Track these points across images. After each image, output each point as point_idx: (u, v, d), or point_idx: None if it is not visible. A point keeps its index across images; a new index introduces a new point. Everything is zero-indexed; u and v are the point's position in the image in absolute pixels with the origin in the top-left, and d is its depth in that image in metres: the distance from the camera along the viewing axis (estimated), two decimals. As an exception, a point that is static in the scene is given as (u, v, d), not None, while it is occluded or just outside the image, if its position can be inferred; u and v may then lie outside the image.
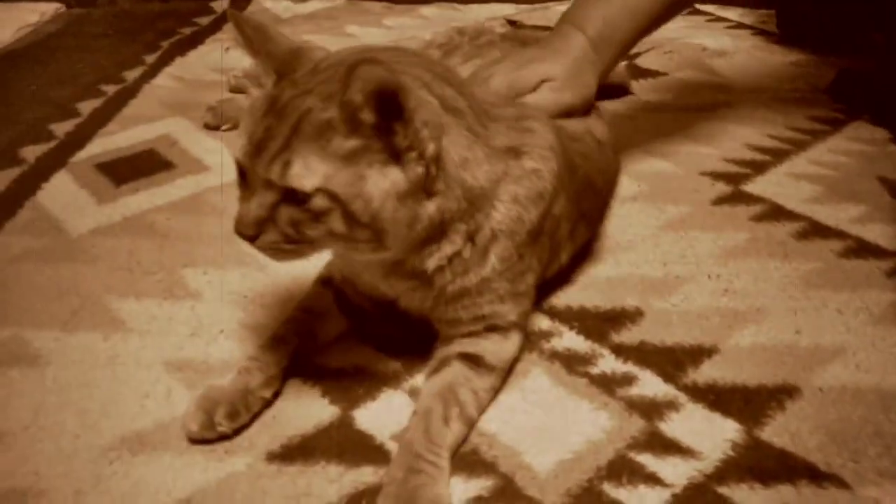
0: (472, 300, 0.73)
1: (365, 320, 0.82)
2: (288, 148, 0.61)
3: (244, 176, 0.65)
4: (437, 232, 0.69)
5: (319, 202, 0.61)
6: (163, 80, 1.45)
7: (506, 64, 0.91)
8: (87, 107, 1.34)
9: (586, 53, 0.94)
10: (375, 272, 0.74)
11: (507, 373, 0.76)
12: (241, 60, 1.49)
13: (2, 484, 0.65)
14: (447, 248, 0.70)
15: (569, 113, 0.89)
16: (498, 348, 0.75)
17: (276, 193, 0.62)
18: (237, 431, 0.70)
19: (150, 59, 1.54)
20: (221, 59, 1.55)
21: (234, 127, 1.27)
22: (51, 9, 1.84)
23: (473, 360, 0.74)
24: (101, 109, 1.33)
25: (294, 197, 0.62)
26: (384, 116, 0.61)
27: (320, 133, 0.61)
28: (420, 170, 0.64)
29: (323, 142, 0.61)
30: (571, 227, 0.83)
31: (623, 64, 1.41)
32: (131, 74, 1.47)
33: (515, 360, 0.77)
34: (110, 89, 1.40)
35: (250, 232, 0.63)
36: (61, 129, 1.26)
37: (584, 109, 0.93)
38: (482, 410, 0.72)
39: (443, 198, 0.67)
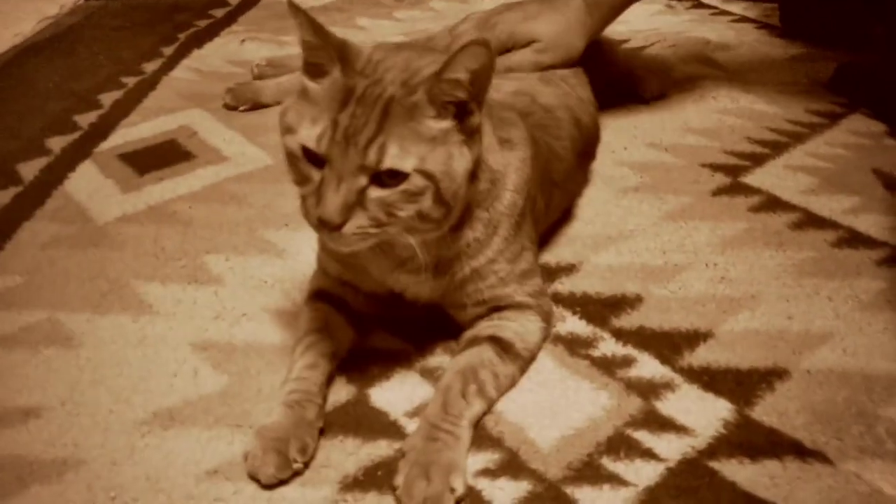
0: (475, 285, 0.78)
1: (371, 326, 0.85)
2: (382, 132, 0.64)
3: (316, 162, 0.66)
4: (465, 216, 0.75)
5: (416, 181, 0.65)
6: (181, 72, 1.49)
7: (511, 14, 1.08)
8: (108, 98, 1.38)
9: (579, 16, 1.07)
10: (384, 267, 0.78)
11: (529, 364, 0.80)
12: (258, 52, 1.54)
13: (44, 454, 0.71)
14: (469, 235, 0.76)
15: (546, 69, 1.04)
16: (524, 331, 0.79)
17: (366, 178, 0.65)
18: (306, 465, 0.69)
19: (168, 51, 1.58)
20: (239, 50, 1.60)
21: (252, 108, 1.33)
22: (70, 1, 1.88)
23: (503, 346, 0.77)
24: (122, 101, 1.37)
25: (385, 180, 0.65)
26: (472, 96, 0.67)
27: (410, 116, 0.66)
28: (479, 150, 0.71)
29: (414, 124, 0.66)
30: (546, 199, 0.89)
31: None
32: (150, 66, 1.51)
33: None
34: (130, 81, 1.45)
35: (339, 219, 0.64)
36: (85, 120, 1.30)
37: (564, 66, 1.06)
38: (501, 393, 0.76)
39: (478, 180, 0.74)
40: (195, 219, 1.05)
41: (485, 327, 0.79)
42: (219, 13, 1.82)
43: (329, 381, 0.77)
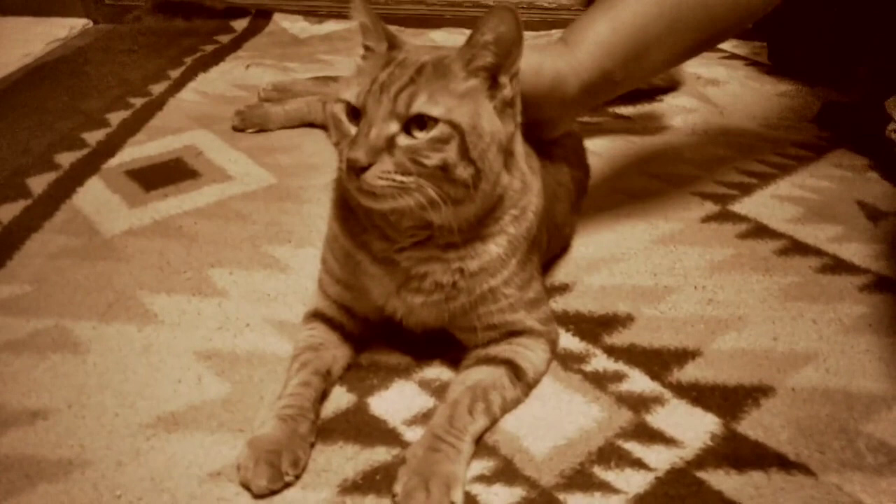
0: (486, 308, 0.79)
1: (370, 338, 0.86)
2: (413, 84, 0.70)
3: (356, 117, 0.71)
4: (495, 214, 0.78)
5: (443, 129, 0.69)
6: (187, 94, 1.53)
7: None
8: (116, 118, 1.42)
9: (555, 49, 0.94)
10: (388, 287, 0.79)
11: (532, 389, 0.81)
12: (262, 77, 1.59)
13: (50, 454, 0.73)
14: (493, 250, 0.78)
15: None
16: (538, 361, 0.81)
17: (397, 125, 0.69)
18: (297, 478, 0.70)
19: (175, 74, 1.63)
20: (244, 75, 1.64)
21: (260, 130, 1.37)
22: (79, 24, 1.93)
23: (517, 373, 0.79)
24: (129, 120, 1.41)
25: (413, 132, 0.69)
26: (499, 63, 0.72)
27: (441, 74, 0.71)
28: (512, 129, 0.75)
29: (444, 81, 0.71)
30: (547, 239, 0.91)
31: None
32: (157, 88, 1.55)
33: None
34: (138, 102, 1.49)
35: (366, 160, 0.67)
36: (93, 137, 1.34)
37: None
38: (505, 413, 0.78)
39: (510, 176, 0.77)
40: (200, 234, 1.08)
41: (502, 350, 0.81)
42: (224, 39, 1.87)
43: (323, 399, 0.79)
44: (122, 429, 0.76)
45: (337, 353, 0.82)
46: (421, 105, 0.69)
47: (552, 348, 0.84)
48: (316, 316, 0.85)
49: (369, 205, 0.72)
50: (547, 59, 0.89)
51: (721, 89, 1.63)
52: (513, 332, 0.82)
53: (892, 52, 1.43)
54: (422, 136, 0.69)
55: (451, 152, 0.69)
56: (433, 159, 0.69)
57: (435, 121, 0.69)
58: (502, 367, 0.79)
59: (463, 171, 0.70)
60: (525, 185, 0.80)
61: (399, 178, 0.69)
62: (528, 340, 0.82)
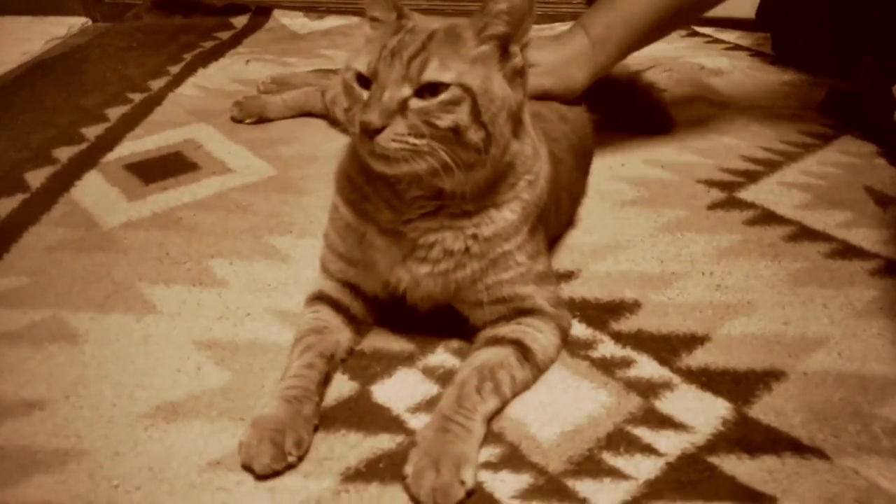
0: (496, 276, 0.78)
1: (372, 325, 0.86)
2: (425, 50, 0.70)
3: (367, 85, 0.71)
4: (510, 180, 0.78)
5: (455, 91, 0.69)
6: (187, 89, 1.52)
7: None
8: (115, 113, 1.40)
9: (583, 51, 1.11)
10: (395, 257, 0.78)
11: (541, 375, 0.80)
12: (262, 72, 1.57)
13: (47, 444, 0.71)
14: (508, 216, 0.78)
15: (544, 97, 1.05)
16: (548, 344, 0.80)
17: (409, 89, 0.69)
18: (300, 459, 0.69)
19: (174, 69, 1.62)
20: (245, 71, 1.63)
21: (258, 121, 1.37)
22: (78, 23, 1.92)
23: (525, 353, 0.78)
24: (128, 115, 1.39)
25: (425, 95, 0.69)
26: (510, 32, 0.72)
27: (453, 41, 0.72)
28: (521, 97, 0.75)
29: (456, 47, 0.71)
30: (556, 203, 0.91)
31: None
32: (156, 84, 1.54)
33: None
34: (137, 97, 1.47)
35: (379, 122, 0.68)
36: (91, 132, 1.32)
37: (564, 97, 1.09)
38: (515, 394, 0.77)
39: (521, 144, 0.78)
40: (200, 225, 1.06)
41: (510, 330, 0.80)
42: (224, 36, 1.86)
43: (326, 382, 0.77)
44: (120, 419, 0.74)
45: (340, 336, 0.81)
46: (433, 71, 0.69)
47: (563, 335, 0.83)
48: (319, 298, 0.84)
49: (382, 169, 0.72)
50: (578, 72, 1.09)
51: (724, 79, 1.61)
52: (522, 311, 0.80)
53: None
54: (434, 99, 0.69)
55: (462, 114, 0.70)
56: (445, 121, 0.69)
57: (446, 85, 0.69)
58: (510, 346, 0.78)
59: (474, 135, 0.71)
60: (535, 150, 0.81)
61: (412, 140, 0.69)
62: (537, 322, 0.80)
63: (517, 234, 0.79)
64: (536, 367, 0.79)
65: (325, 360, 0.77)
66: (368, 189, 0.78)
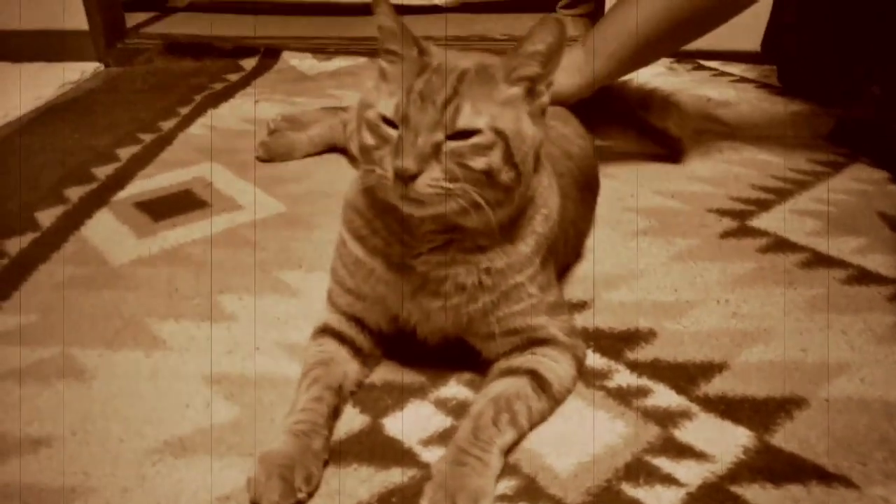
0: (508, 308, 0.77)
1: (382, 358, 0.85)
2: (457, 95, 0.69)
3: (394, 125, 0.70)
4: (528, 213, 0.78)
5: (488, 136, 0.69)
6: (197, 129, 1.54)
7: None
8: (125, 153, 1.42)
9: (575, 60, 1.16)
10: (405, 290, 0.78)
11: (557, 407, 0.78)
12: (271, 111, 1.59)
13: (53, 482, 0.70)
14: (522, 249, 0.77)
15: None
16: (564, 375, 0.78)
17: (442, 134, 0.69)
18: (310, 496, 0.68)
19: (185, 110, 1.63)
20: (254, 110, 1.64)
21: (286, 159, 1.36)
22: (90, 68, 1.95)
23: (541, 384, 0.76)
24: (139, 155, 1.41)
25: (458, 135, 0.69)
26: (542, 72, 0.72)
27: (483, 82, 0.71)
28: (543, 133, 0.75)
29: (487, 89, 0.71)
30: (564, 235, 0.90)
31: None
32: (167, 124, 1.56)
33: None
34: (147, 137, 1.49)
35: (416, 168, 0.67)
36: (102, 172, 1.33)
37: (557, 103, 1.07)
38: (532, 426, 0.75)
39: (538, 177, 0.78)
40: (209, 261, 1.06)
41: (525, 360, 0.78)
42: (234, 77, 1.88)
43: (336, 415, 0.76)
44: (128, 455, 0.73)
45: (347, 368, 0.80)
46: (465, 118, 0.69)
47: (578, 364, 0.81)
48: (325, 331, 0.83)
49: (411, 212, 0.71)
50: (567, 80, 1.11)
51: (732, 110, 1.62)
52: (535, 342, 0.79)
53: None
54: (466, 141, 0.69)
55: (496, 157, 0.70)
56: (479, 163, 0.69)
57: (479, 130, 0.69)
58: (525, 377, 0.76)
59: (506, 175, 0.71)
60: (550, 183, 0.81)
61: (446, 184, 0.69)
62: (552, 352, 0.79)
63: (530, 265, 0.78)
64: (553, 398, 0.77)
65: (332, 393, 0.76)
66: (378, 224, 0.78)
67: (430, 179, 0.68)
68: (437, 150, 0.68)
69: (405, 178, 0.67)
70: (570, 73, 1.15)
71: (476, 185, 0.70)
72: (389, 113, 0.70)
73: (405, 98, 0.69)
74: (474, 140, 0.69)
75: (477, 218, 0.71)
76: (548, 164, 0.84)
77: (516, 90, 0.72)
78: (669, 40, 1.21)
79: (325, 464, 0.70)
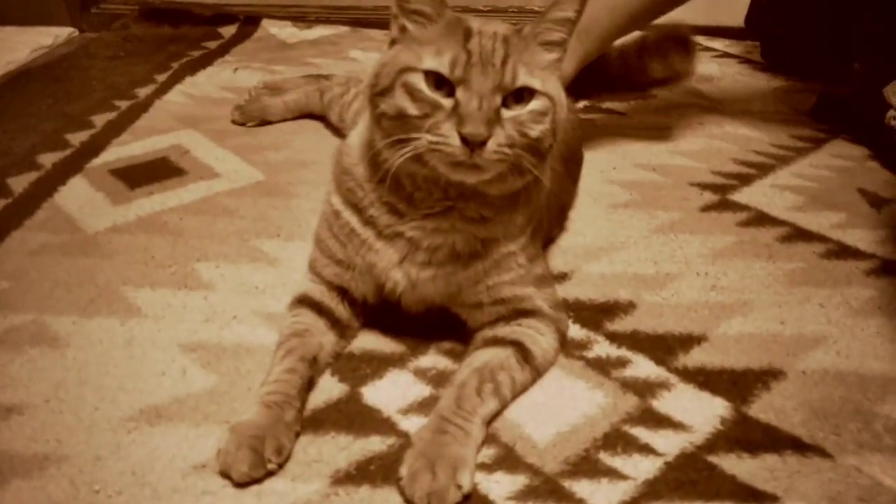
0: (498, 277, 0.77)
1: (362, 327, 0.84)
2: (509, 58, 0.68)
3: (442, 88, 0.68)
4: (524, 195, 0.76)
5: (543, 101, 0.70)
6: (174, 96, 1.50)
7: None
8: (100, 119, 1.38)
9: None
10: (392, 258, 0.77)
11: (539, 379, 0.78)
12: (250, 79, 1.56)
13: (25, 449, 0.69)
14: (519, 218, 0.77)
15: None
16: (548, 347, 0.78)
17: (500, 98, 0.68)
18: (280, 467, 0.67)
19: (162, 77, 1.60)
20: (234, 79, 1.61)
21: (260, 123, 1.35)
22: (64, 33, 1.90)
23: (525, 355, 0.76)
24: (114, 122, 1.37)
25: (510, 103, 0.69)
26: (566, 36, 0.73)
27: (525, 48, 0.71)
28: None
29: (530, 54, 0.71)
30: (547, 207, 0.89)
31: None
32: (143, 91, 1.52)
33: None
34: (123, 104, 1.45)
35: (486, 133, 0.66)
36: (76, 138, 1.30)
37: None
38: (515, 397, 0.75)
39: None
40: (186, 229, 1.04)
41: (511, 331, 0.78)
42: (212, 45, 1.84)
43: (310, 387, 0.75)
44: (102, 423, 0.72)
45: (323, 339, 0.79)
46: (524, 77, 0.69)
47: (561, 338, 0.81)
48: (302, 301, 0.82)
49: (463, 178, 0.69)
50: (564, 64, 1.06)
51: (714, 85, 1.62)
52: (521, 313, 0.79)
53: (886, 42, 1.42)
54: (522, 108, 0.69)
55: (548, 123, 0.70)
56: (535, 130, 0.69)
57: (532, 93, 0.69)
58: (510, 348, 0.76)
59: (548, 142, 0.71)
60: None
61: (507, 150, 0.68)
62: (537, 324, 0.79)
63: (521, 235, 0.78)
64: (536, 370, 0.77)
65: (307, 365, 0.75)
66: (374, 195, 0.76)
67: (496, 145, 0.67)
68: (497, 115, 0.67)
69: (474, 144, 0.66)
70: (566, 58, 1.13)
71: (527, 151, 0.69)
72: (445, 70, 0.67)
73: (465, 60, 0.67)
74: (531, 106, 0.69)
75: (506, 185, 0.71)
76: None
77: (552, 56, 0.73)
78: (656, 9, 1.21)
79: (297, 435, 0.70)
